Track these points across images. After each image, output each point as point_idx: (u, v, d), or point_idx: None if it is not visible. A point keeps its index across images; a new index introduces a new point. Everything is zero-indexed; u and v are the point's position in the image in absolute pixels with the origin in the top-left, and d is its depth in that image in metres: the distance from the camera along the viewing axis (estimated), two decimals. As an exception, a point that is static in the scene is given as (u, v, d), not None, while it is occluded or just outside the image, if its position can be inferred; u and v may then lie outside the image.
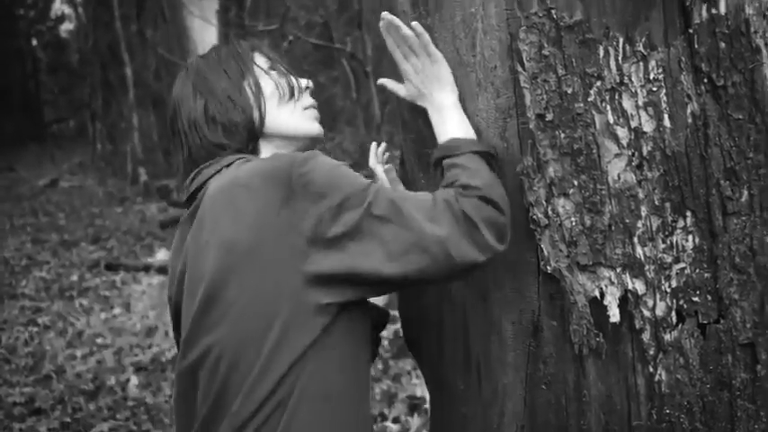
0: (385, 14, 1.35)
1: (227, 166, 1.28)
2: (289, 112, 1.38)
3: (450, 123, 1.33)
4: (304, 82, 1.43)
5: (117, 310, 6.12)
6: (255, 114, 1.35)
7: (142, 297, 6.41)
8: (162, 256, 7.73)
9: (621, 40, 1.22)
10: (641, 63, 1.22)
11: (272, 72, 1.40)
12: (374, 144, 1.74)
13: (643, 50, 1.22)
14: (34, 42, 22.42)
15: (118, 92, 13.60)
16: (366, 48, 11.58)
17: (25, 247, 8.64)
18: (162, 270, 6.98)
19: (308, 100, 1.43)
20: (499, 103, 1.31)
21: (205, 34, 8.27)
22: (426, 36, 1.33)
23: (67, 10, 22.04)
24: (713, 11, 1.23)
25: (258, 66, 1.40)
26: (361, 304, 1.26)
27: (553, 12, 1.23)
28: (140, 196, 11.58)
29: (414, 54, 1.35)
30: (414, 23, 1.33)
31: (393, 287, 1.26)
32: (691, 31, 1.23)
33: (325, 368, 1.20)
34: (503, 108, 1.30)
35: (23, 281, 7.21)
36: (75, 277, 7.27)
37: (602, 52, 1.22)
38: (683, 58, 1.23)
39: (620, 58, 1.22)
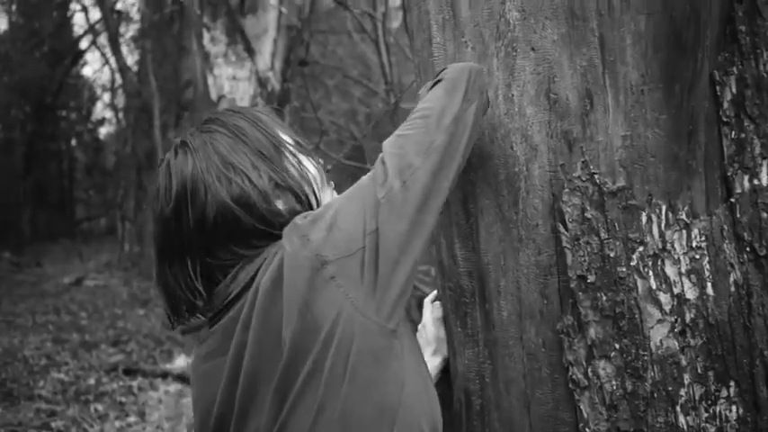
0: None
1: (268, 255, 1.14)
2: (329, 196, 1.28)
3: None
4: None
5: (132, 419, 6.01)
6: (312, 200, 1.21)
7: (158, 406, 6.31)
8: (181, 362, 7.63)
9: (664, 207, 1.24)
10: (684, 231, 1.24)
11: (300, 152, 1.26)
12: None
13: (686, 218, 1.24)
14: (73, 142, 23.13)
15: (149, 195, 13.91)
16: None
17: (45, 347, 8.60)
18: (180, 378, 6.88)
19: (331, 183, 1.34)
20: (540, 260, 1.32)
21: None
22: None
23: (109, 114, 22.87)
24: (755, 181, 1.25)
25: (288, 142, 1.25)
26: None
27: (596, 177, 1.25)
28: (163, 299, 11.62)
29: None
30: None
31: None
32: (733, 200, 1.25)
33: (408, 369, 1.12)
34: (544, 265, 1.31)
35: (41, 381, 7.15)
36: (92, 380, 7.19)
37: (644, 219, 1.24)
38: (726, 227, 1.25)
39: (662, 225, 1.24)
